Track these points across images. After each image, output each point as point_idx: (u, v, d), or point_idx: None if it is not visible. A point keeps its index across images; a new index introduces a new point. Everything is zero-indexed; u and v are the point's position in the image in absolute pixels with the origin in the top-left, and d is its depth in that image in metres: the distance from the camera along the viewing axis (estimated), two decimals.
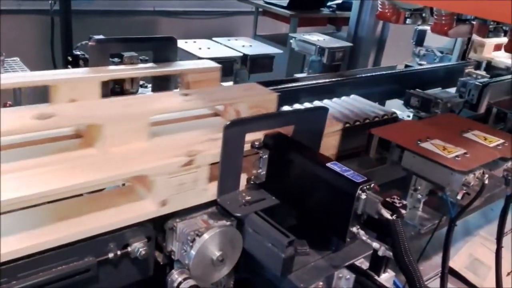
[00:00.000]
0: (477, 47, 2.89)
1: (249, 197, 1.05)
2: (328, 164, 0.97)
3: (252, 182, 1.09)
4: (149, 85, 1.68)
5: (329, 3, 3.18)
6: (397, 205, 0.91)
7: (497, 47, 2.87)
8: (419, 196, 1.28)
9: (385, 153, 1.30)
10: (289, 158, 1.03)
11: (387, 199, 0.92)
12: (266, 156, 1.07)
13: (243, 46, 2.02)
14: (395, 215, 0.89)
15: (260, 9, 3.40)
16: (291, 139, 1.09)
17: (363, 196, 0.90)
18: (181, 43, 1.90)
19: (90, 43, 1.47)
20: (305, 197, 1.01)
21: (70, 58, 1.63)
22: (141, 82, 1.65)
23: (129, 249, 0.92)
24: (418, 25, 2.90)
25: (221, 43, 2.04)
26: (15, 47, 1.95)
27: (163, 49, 1.62)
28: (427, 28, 2.93)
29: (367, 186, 0.91)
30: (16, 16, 2.53)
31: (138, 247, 0.93)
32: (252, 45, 2.07)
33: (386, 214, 0.87)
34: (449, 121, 1.53)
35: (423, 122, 1.49)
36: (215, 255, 0.97)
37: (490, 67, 2.78)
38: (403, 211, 0.90)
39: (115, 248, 0.90)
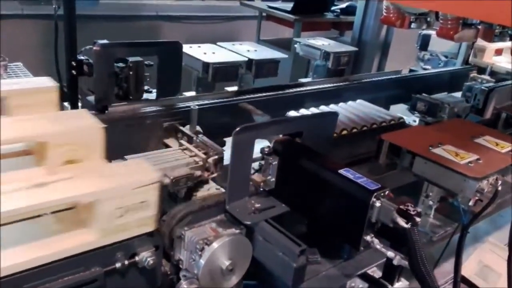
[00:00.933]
0: (477, 52, 2.85)
1: (259, 205, 1.03)
2: (341, 171, 0.95)
3: (261, 189, 1.06)
4: (154, 91, 1.66)
5: (333, 8, 3.17)
6: (412, 212, 0.89)
7: (498, 52, 2.85)
8: (431, 202, 1.25)
9: (395, 159, 1.27)
10: (300, 165, 1.01)
11: (401, 206, 0.89)
12: (276, 162, 1.05)
13: (248, 50, 2.00)
14: (410, 223, 0.86)
15: (264, 14, 3.39)
16: (301, 145, 1.07)
17: (378, 204, 0.87)
18: (185, 48, 1.88)
19: (94, 48, 1.46)
20: (316, 205, 0.99)
21: (74, 63, 1.61)
22: (146, 87, 1.63)
23: (136, 258, 0.90)
24: (423, 30, 2.88)
25: (226, 48, 2.02)
26: (18, 52, 1.93)
27: (168, 54, 1.61)
28: (432, 32, 2.91)
29: (382, 194, 0.88)
30: (19, 20, 2.51)
31: (146, 256, 0.90)
32: (257, 49, 2.05)
33: (402, 222, 0.85)
34: (459, 126, 1.51)
35: (433, 128, 1.47)
36: (225, 264, 0.94)
37: (491, 72, 2.74)
38: (417, 219, 0.88)
39: (122, 257, 0.87)
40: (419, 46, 3.03)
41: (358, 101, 1.95)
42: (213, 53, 1.91)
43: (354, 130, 1.64)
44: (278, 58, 1.99)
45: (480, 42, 2.69)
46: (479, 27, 2.04)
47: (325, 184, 0.96)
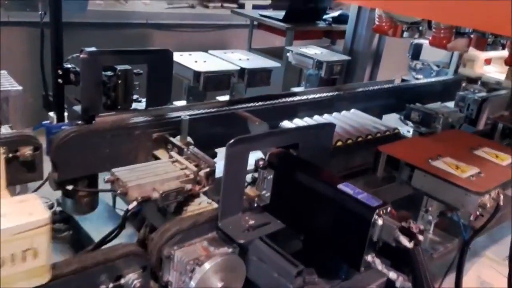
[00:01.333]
0: (467, 61, 2.82)
1: (253, 221, 0.97)
2: (340, 185, 0.90)
3: (255, 205, 1.01)
4: (143, 100, 1.60)
5: (325, 16, 3.15)
6: (414, 230, 0.84)
7: (487, 61, 2.82)
8: (430, 217, 1.21)
9: (393, 172, 1.23)
10: (296, 179, 0.96)
11: (403, 224, 0.85)
12: (271, 176, 1.00)
13: (240, 59, 1.95)
14: (412, 242, 0.82)
15: (255, 23, 3.36)
16: (297, 157, 1.02)
17: (380, 221, 0.83)
18: (176, 56, 1.83)
19: (81, 56, 1.40)
20: (313, 221, 0.94)
21: (60, 71, 1.55)
22: (135, 97, 1.58)
23: (122, 281, 0.84)
24: (415, 39, 2.87)
25: (217, 56, 1.97)
26: (3, 60, 1.86)
27: (158, 62, 1.56)
28: (423, 41, 2.90)
29: (384, 211, 0.84)
30: (4, 28, 2.45)
31: (132, 278, 0.84)
32: (249, 58, 2.01)
33: (405, 242, 0.80)
34: (457, 137, 1.47)
35: (431, 139, 1.43)
36: (217, 286, 0.89)
37: (482, 83, 2.69)
38: (420, 237, 0.83)
39: (107, 280, 0.81)
40: (411, 56, 3.01)
41: (352, 111, 1.92)
42: (204, 61, 1.86)
43: (349, 141, 1.60)
44: (271, 67, 1.94)
45: (470, 51, 2.66)
46: (472, 36, 2.03)
47: (323, 200, 0.91)
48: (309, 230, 0.96)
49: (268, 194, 1.01)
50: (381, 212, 0.83)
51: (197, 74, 1.75)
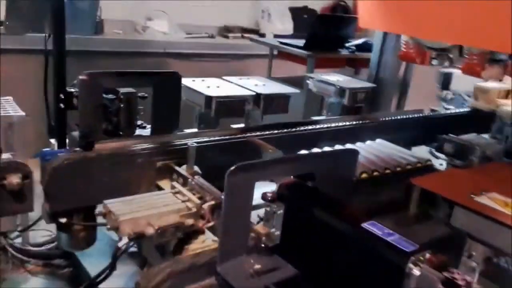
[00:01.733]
0: (478, 93, 2.42)
1: (259, 266, 0.81)
2: (365, 225, 0.73)
3: (263, 245, 0.85)
4: (148, 126, 1.48)
5: (347, 44, 3.03)
6: (460, 282, 0.66)
7: (502, 94, 2.51)
8: (474, 264, 1.02)
9: (428, 208, 1.05)
10: (312, 215, 0.80)
11: (446, 274, 0.67)
12: (281, 211, 0.84)
13: (256, 85, 1.83)
14: None
15: (275, 52, 3.27)
16: (314, 189, 0.86)
17: (416, 271, 0.65)
18: (187, 81, 1.72)
19: (80, 77, 1.29)
20: (332, 268, 0.77)
21: (62, 96, 1.45)
22: (139, 122, 1.46)
23: None
24: (445, 67, 2.73)
25: (232, 82, 1.85)
26: (9, 87, 1.81)
27: (165, 85, 1.44)
28: (453, 70, 2.74)
29: (421, 258, 0.66)
30: (11, 55, 2.44)
31: None
32: (265, 84, 1.88)
33: None
34: (500, 170, 1.29)
35: (470, 172, 1.25)
36: None
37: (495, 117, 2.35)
38: None
39: None
40: (441, 85, 2.86)
41: (378, 140, 1.75)
42: (218, 87, 1.75)
43: (376, 173, 1.43)
44: (289, 93, 1.81)
45: (481, 83, 2.42)
46: (509, 63, 1.88)
47: (344, 242, 0.74)
48: (326, 279, 0.78)
49: (278, 232, 0.84)
50: (418, 259, 0.66)
51: (208, 99, 1.63)
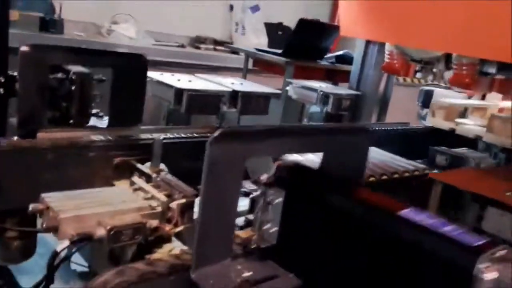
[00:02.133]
0: (436, 110, 2.17)
1: (250, 273, 0.58)
2: (402, 212, 0.52)
3: (253, 247, 0.62)
4: (106, 117, 1.25)
5: (327, 55, 2.90)
6: None
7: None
8: None
9: (449, 210, 0.86)
10: (325, 204, 0.58)
11: None
12: (280, 199, 0.62)
13: (232, 83, 1.62)
14: None
15: (250, 64, 3.09)
16: (321, 172, 0.64)
17: (490, 274, 0.44)
18: (155, 74, 1.50)
19: (21, 49, 1.05)
20: (354, 276, 0.55)
21: (2, 79, 1.21)
22: (94, 110, 1.22)
23: None
24: (427, 84, 2.64)
25: (206, 79, 1.64)
26: None
27: (128, 69, 1.22)
28: (435, 89, 2.66)
29: (494, 255, 0.45)
30: None
31: None
32: (243, 83, 1.68)
33: None
34: None
35: (493, 171, 1.07)
36: None
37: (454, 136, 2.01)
38: None
39: None
40: (421, 103, 2.75)
41: (371, 148, 1.57)
42: (189, 81, 1.53)
43: (372, 179, 1.24)
44: (269, 93, 1.61)
45: (440, 99, 2.27)
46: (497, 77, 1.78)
47: (378, 238, 0.52)
48: None
49: (275, 229, 0.62)
50: (489, 257, 0.45)
51: (179, 92, 1.40)
